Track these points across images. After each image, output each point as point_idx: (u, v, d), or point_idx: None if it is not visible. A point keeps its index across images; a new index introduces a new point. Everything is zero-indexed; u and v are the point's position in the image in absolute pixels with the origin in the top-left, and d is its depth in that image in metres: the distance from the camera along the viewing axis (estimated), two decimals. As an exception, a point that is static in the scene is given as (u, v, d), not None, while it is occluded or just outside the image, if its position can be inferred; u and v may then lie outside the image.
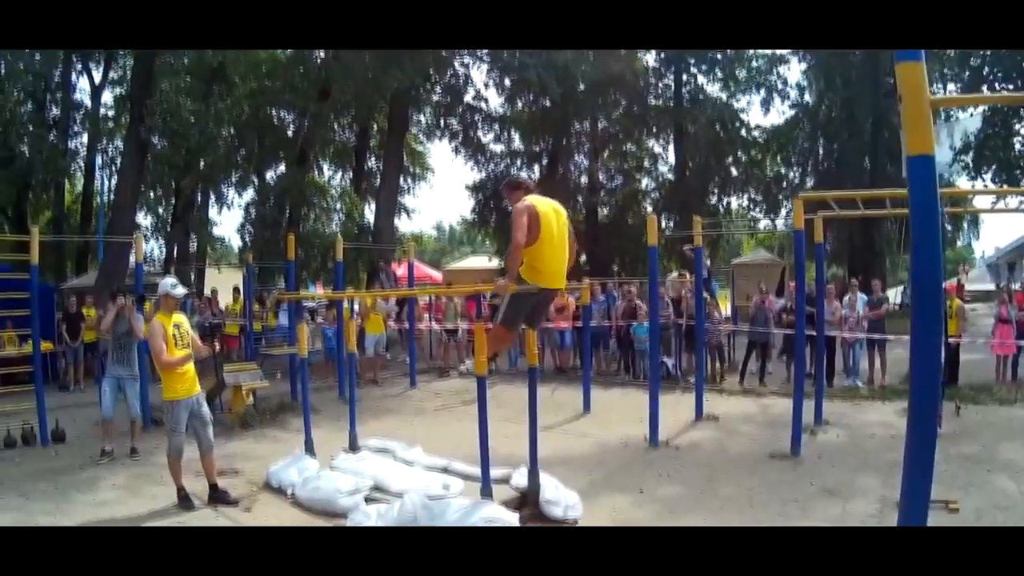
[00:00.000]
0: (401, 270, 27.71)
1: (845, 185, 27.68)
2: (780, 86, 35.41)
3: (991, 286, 37.90)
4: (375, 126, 35.21)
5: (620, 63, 32.23)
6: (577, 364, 18.45)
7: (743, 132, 35.52)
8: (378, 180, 33.85)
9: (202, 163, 27.57)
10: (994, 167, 29.24)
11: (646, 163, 39.28)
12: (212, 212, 35.90)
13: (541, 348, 17.30)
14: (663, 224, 33.43)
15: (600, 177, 38.04)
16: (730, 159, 36.17)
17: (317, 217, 31.32)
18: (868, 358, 16.40)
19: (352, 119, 33.38)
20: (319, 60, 28.60)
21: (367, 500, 8.24)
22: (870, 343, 16.17)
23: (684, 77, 35.74)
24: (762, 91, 35.28)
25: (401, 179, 35.17)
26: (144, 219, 32.78)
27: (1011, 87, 27.69)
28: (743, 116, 36.03)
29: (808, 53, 35.68)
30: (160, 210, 33.64)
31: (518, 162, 37.99)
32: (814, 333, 13.33)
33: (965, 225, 43.47)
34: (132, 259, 18.31)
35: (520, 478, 8.25)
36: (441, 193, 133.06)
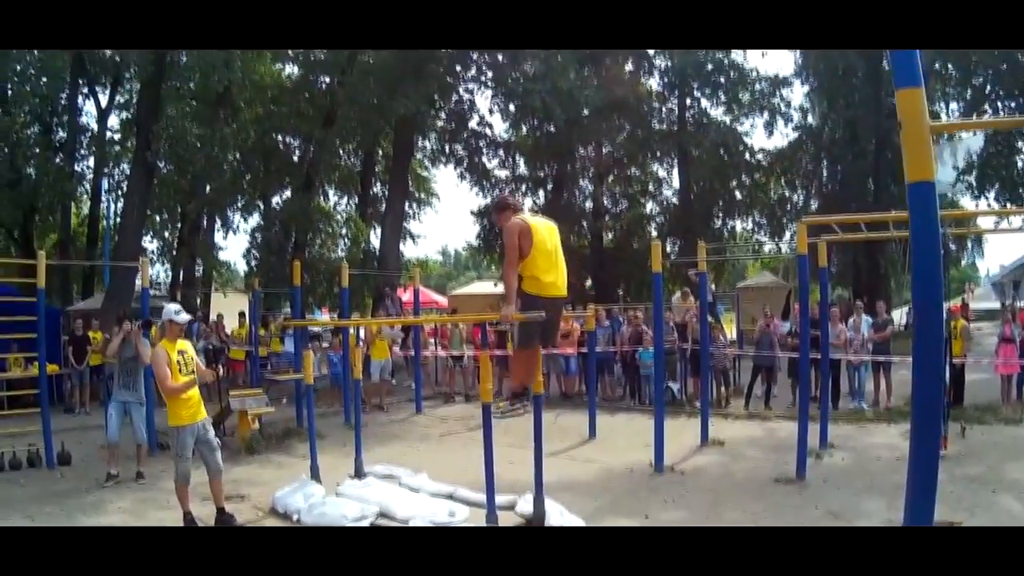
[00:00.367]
0: (407, 295, 27.76)
1: (849, 207, 27.74)
2: (783, 108, 35.34)
3: (996, 305, 37.83)
4: (380, 152, 35.22)
5: (624, 87, 32.32)
6: (582, 390, 18.44)
7: (747, 155, 35.40)
8: (383, 205, 33.82)
9: (208, 188, 27.62)
10: (997, 186, 29.23)
11: (650, 187, 39.25)
12: (218, 237, 35.94)
13: (546, 374, 17.35)
14: (668, 248, 33.40)
15: (605, 202, 38.05)
16: (734, 182, 36.08)
17: (323, 242, 31.38)
18: (873, 380, 16.41)
19: (357, 145, 33.41)
20: (324, 85, 28.71)
21: (373, 527, 8.24)
22: (875, 365, 16.17)
23: (687, 101, 35.76)
24: (765, 114, 35.20)
25: (406, 204, 35.19)
26: (150, 243, 32.81)
27: (1013, 104, 27.72)
28: (747, 139, 35.92)
29: (811, 75, 35.72)
30: (166, 234, 33.68)
31: (523, 187, 38.01)
32: (819, 356, 13.35)
33: (969, 244, 43.43)
34: (138, 283, 18.34)
35: (525, 504, 8.27)
36: (446, 218, 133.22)
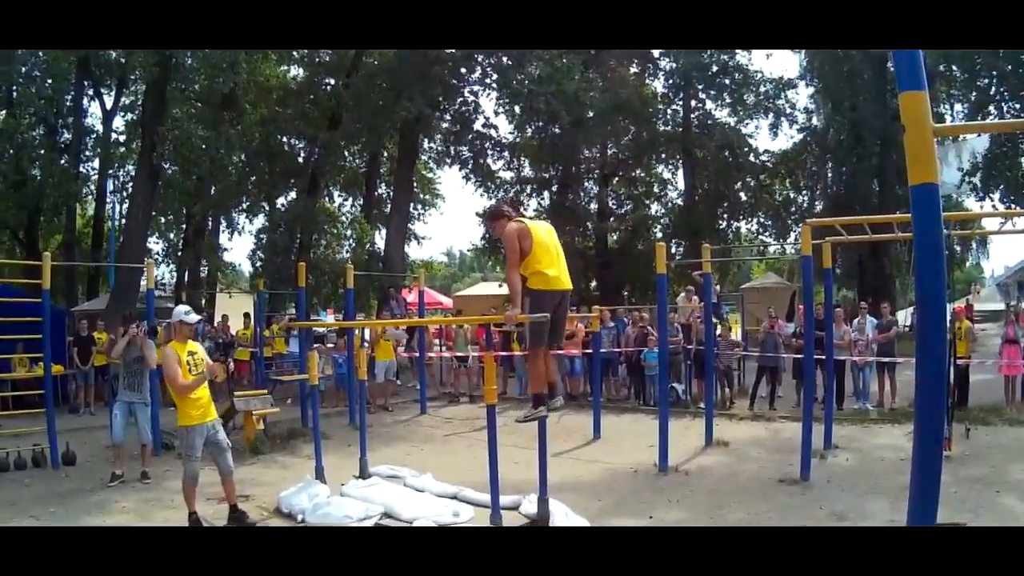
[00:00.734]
0: (411, 296, 27.76)
1: (854, 208, 27.75)
2: (788, 110, 35.25)
3: (1001, 306, 37.80)
4: (385, 153, 35.26)
5: (628, 89, 32.29)
6: (587, 390, 18.45)
7: (752, 157, 35.34)
8: (388, 207, 33.90)
9: (213, 189, 27.67)
10: (1002, 187, 29.16)
11: (655, 189, 39.24)
12: (223, 238, 36.05)
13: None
14: (673, 250, 33.41)
15: (609, 203, 38.04)
16: (739, 184, 36.04)
17: (328, 244, 31.40)
18: (878, 381, 16.39)
19: (362, 146, 33.43)
20: (329, 88, 28.74)
21: (377, 527, 8.25)
22: (880, 366, 16.16)
23: (692, 103, 35.71)
24: (770, 116, 35.15)
25: (411, 206, 35.24)
26: (155, 244, 32.92)
27: (1018, 106, 27.67)
28: (751, 141, 35.87)
29: (816, 77, 35.72)
30: (171, 235, 33.77)
31: (528, 189, 38.04)
32: (824, 357, 13.35)
33: (974, 245, 43.38)
34: (143, 284, 18.37)
35: (530, 505, 8.29)
36: (451, 220, 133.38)
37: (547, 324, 7.28)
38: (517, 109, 32.50)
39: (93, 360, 18.27)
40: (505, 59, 29.30)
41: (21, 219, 27.27)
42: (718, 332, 17.63)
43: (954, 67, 29.94)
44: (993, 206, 28.74)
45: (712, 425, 13.50)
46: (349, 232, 32.46)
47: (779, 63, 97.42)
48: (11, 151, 24.16)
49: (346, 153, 33.69)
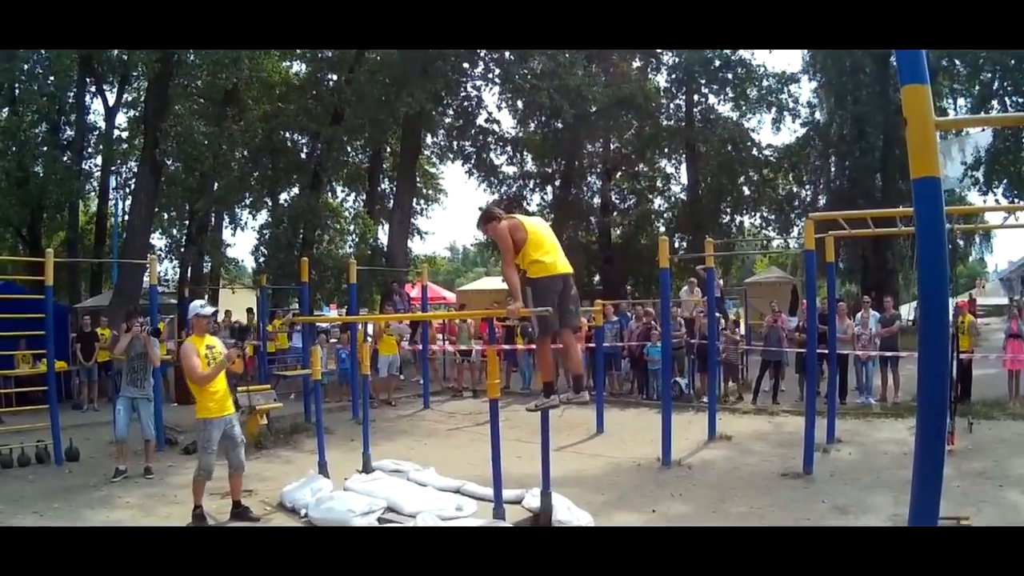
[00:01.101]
0: (415, 291, 27.76)
1: (857, 203, 27.74)
2: (791, 105, 35.23)
3: (1004, 300, 37.76)
4: (388, 148, 35.21)
5: (631, 84, 32.27)
6: (590, 385, 18.45)
7: (755, 151, 35.37)
8: (391, 202, 33.86)
9: (216, 185, 27.64)
10: (1005, 182, 29.15)
11: (658, 183, 39.28)
12: (226, 234, 35.97)
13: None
14: (676, 244, 33.44)
15: (612, 198, 38.09)
16: (742, 178, 36.10)
17: (331, 239, 31.33)
18: (881, 376, 16.39)
19: (365, 142, 33.37)
20: (332, 83, 28.71)
21: (380, 521, 8.25)
22: (883, 360, 16.17)
23: (695, 97, 35.72)
24: (773, 110, 35.16)
25: (414, 201, 35.19)
26: (158, 240, 32.90)
27: (1021, 100, 27.66)
28: (754, 135, 35.96)
29: (818, 71, 35.72)
30: (174, 231, 33.74)
31: (531, 184, 38.10)
32: (827, 351, 13.35)
33: (977, 240, 43.33)
34: (146, 280, 18.39)
35: (532, 499, 8.29)
36: (454, 214, 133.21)
37: (552, 307, 7.30)
38: (520, 104, 32.55)
39: (96, 356, 18.31)
40: (508, 54, 29.27)
41: (24, 216, 27.22)
42: (723, 327, 17.68)
43: (957, 62, 29.96)
44: (996, 200, 28.77)
45: (715, 419, 13.53)
46: (352, 227, 32.34)
47: (781, 58, 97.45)
48: (14, 148, 24.15)
49: (349, 148, 33.59)
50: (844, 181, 35.43)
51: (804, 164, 36.14)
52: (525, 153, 37.30)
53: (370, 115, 27.08)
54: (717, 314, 15.71)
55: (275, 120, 28.06)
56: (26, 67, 24.80)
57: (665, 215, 38.75)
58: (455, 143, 35.93)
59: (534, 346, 12.03)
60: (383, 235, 32.80)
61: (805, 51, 35.96)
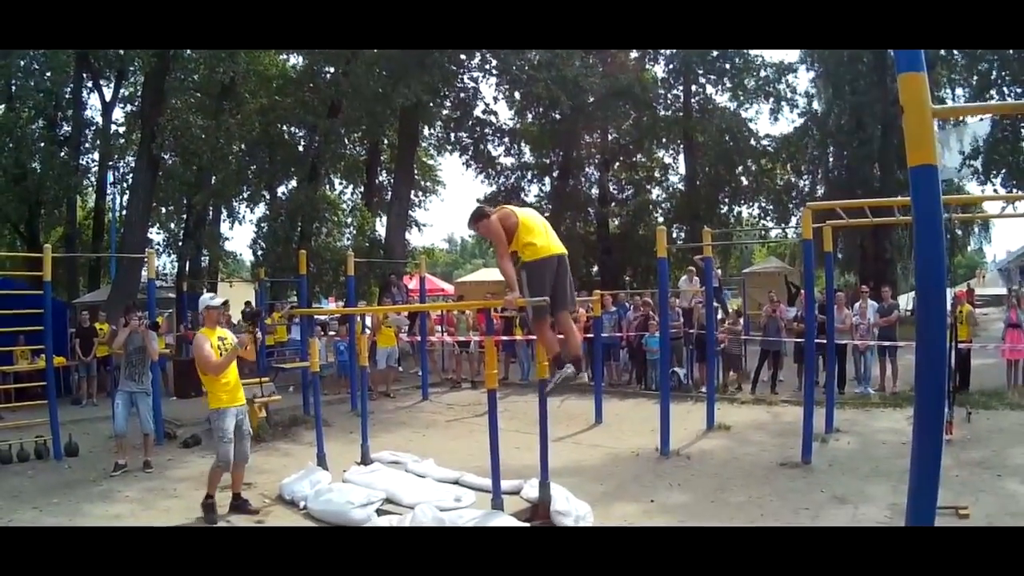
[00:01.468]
0: (413, 283, 27.76)
1: (855, 192, 27.76)
2: (789, 95, 35.23)
3: (1003, 290, 37.79)
4: (385, 141, 35.20)
5: (628, 74, 32.27)
6: (589, 375, 18.47)
7: (752, 141, 35.34)
8: (389, 194, 33.85)
9: (213, 179, 27.64)
10: (1004, 172, 29.13)
11: (656, 174, 39.29)
12: (224, 227, 35.99)
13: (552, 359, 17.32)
14: (674, 235, 33.45)
15: (611, 188, 38.12)
16: (740, 168, 36.09)
17: (329, 232, 31.35)
18: (879, 365, 16.40)
19: (363, 134, 33.38)
20: (328, 76, 28.69)
21: (379, 513, 8.26)
22: (881, 350, 16.16)
23: (693, 88, 35.67)
24: (771, 100, 35.14)
25: (412, 193, 35.17)
26: (156, 235, 32.91)
27: (1019, 90, 27.63)
28: (752, 125, 35.95)
29: (816, 61, 35.70)
30: (172, 226, 33.72)
31: (528, 175, 38.12)
32: (825, 341, 13.36)
33: (976, 230, 43.37)
34: (144, 274, 18.38)
35: (531, 489, 8.29)
36: (452, 206, 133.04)
37: (547, 291, 7.33)
38: (517, 95, 32.55)
39: (95, 351, 18.27)
40: (504, 45, 29.30)
41: (22, 212, 27.27)
42: (720, 317, 17.68)
43: (955, 52, 29.92)
44: (994, 190, 28.76)
45: (714, 409, 13.54)
46: (350, 220, 32.41)
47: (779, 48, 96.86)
48: (11, 144, 24.16)
49: (346, 141, 33.59)
50: (842, 171, 35.38)
51: (802, 154, 36.06)
52: (523, 144, 37.33)
53: (367, 107, 27.11)
54: (716, 305, 15.71)
55: (272, 113, 28.11)
56: (23, 63, 24.81)
57: (663, 205, 38.68)
58: (452, 135, 36.00)
59: (533, 336, 12.03)
60: (381, 227, 32.83)
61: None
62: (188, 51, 23.67)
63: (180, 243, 31.91)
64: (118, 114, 31.43)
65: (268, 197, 32.99)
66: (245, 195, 32.56)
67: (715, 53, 33.37)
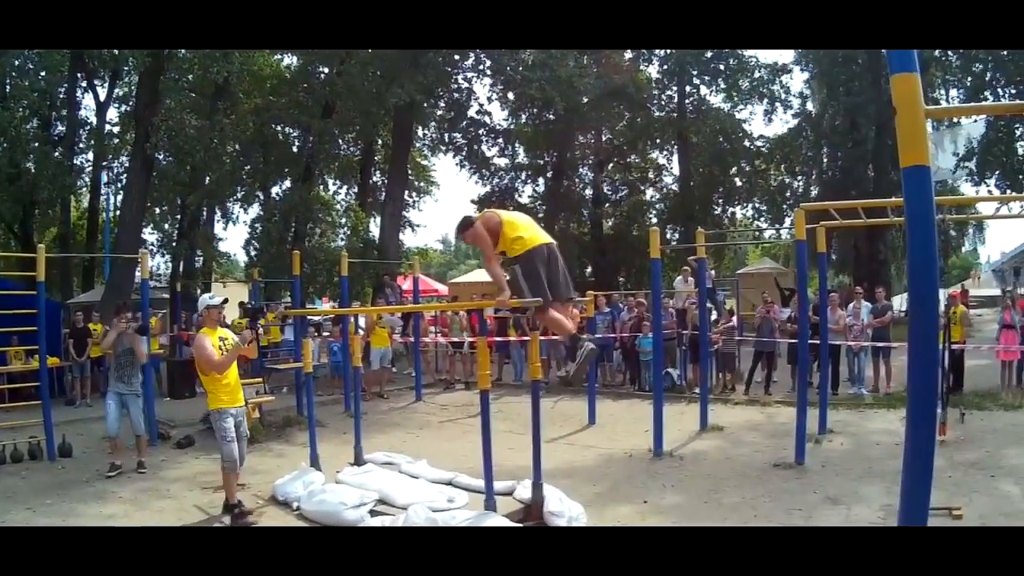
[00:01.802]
0: (407, 284, 27.76)
1: (849, 193, 27.76)
2: (783, 96, 35.30)
3: (997, 291, 37.85)
4: (380, 141, 35.19)
5: (623, 75, 32.31)
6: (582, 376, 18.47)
7: (746, 142, 35.40)
8: (383, 195, 33.82)
9: (207, 179, 27.61)
10: (997, 173, 29.19)
11: (650, 175, 39.36)
12: (218, 228, 36.00)
13: (547, 360, 17.38)
14: (668, 235, 33.47)
15: (604, 189, 38.18)
16: (734, 169, 36.13)
17: (323, 232, 31.32)
18: (873, 366, 16.42)
19: (357, 134, 33.39)
20: (323, 76, 28.69)
21: (372, 513, 8.26)
22: (875, 351, 16.18)
23: (687, 88, 35.71)
24: (765, 101, 35.19)
25: (406, 193, 35.18)
26: (150, 235, 32.87)
27: (1014, 91, 27.69)
28: (746, 126, 36.01)
29: (810, 62, 35.74)
30: (166, 226, 33.68)
31: (523, 175, 38.14)
32: (818, 342, 13.37)
33: (970, 231, 43.45)
34: (138, 275, 18.36)
35: (524, 490, 8.29)
36: (447, 207, 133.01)
37: (541, 283, 7.30)
38: (511, 95, 32.56)
39: (89, 352, 18.22)
40: (498, 45, 29.34)
41: (16, 212, 27.25)
42: (713, 318, 17.68)
43: (950, 53, 29.97)
44: (989, 191, 28.81)
45: (707, 410, 13.54)
46: (344, 220, 32.37)
47: (773, 49, 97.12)
48: (5, 144, 24.08)
49: (340, 141, 33.60)
50: (836, 172, 35.40)
51: (796, 155, 36.12)
52: (517, 145, 37.38)
53: (361, 107, 27.12)
54: (709, 305, 15.72)
55: (266, 113, 28.11)
56: (17, 63, 24.78)
57: (657, 206, 38.71)
58: (446, 135, 36.05)
59: (527, 337, 12.02)
60: (375, 228, 32.80)
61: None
62: (183, 51, 23.64)
63: (174, 243, 31.85)
64: (112, 114, 31.54)
65: (262, 197, 33.03)
66: (239, 195, 32.60)
67: (709, 54, 33.43)
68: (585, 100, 31.37)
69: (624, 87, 31.86)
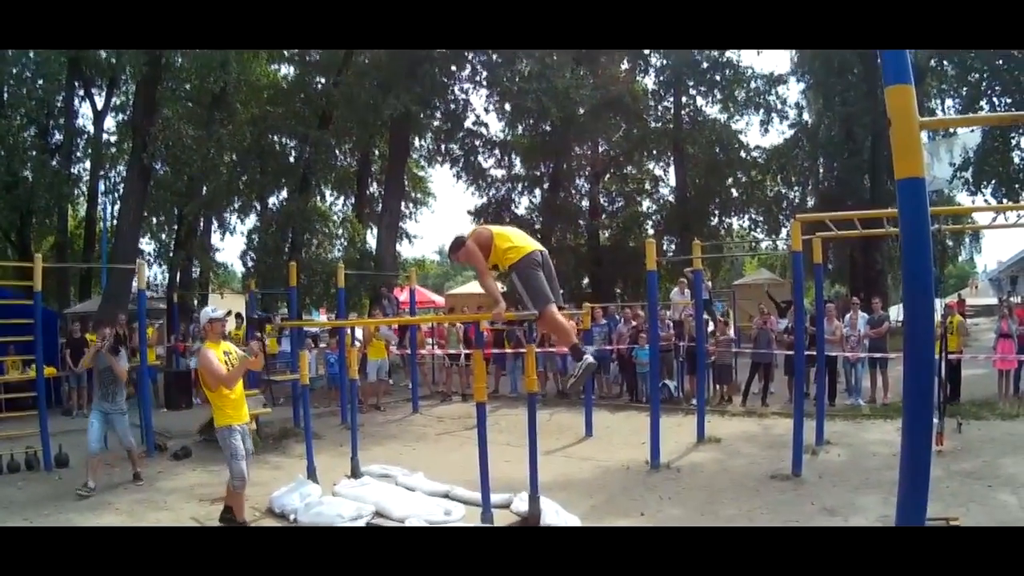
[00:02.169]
0: (403, 295, 27.73)
1: (846, 204, 27.76)
2: (779, 106, 35.26)
3: (994, 300, 37.89)
4: (377, 152, 35.23)
5: (619, 86, 32.34)
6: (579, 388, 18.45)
7: (743, 153, 35.40)
8: (380, 206, 33.82)
9: (204, 189, 27.62)
10: (994, 182, 29.20)
11: (647, 186, 39.30)
12: (215, 238, 35.97)
13: (543, 372, 17.36)
14: (665, 246, 33.46)
15: (601, 200, 38.13)
16: (730, 180, 36.14)
17: (319, 243, 31.30)
18: (870, 377, 16.42)
19: (354, 145, 33.42)
20: (320, 86, 28.72)
21: (368, 526, 8.25)
22: (871, 361, 16.19)
23: (683, 99, 35.72)
24: (761, 112, 35.21)
25: (403, 204, 35.17)
26: (147, 245, 32.89)
27: (1009, 101, 27.71)
28: (742, 137, 35.99)
29: (806, 72, 35.78)
30: (163, 236, 33.70)
31: (519, 187, 38.12)
32: (815, 353, 13.37)
33: (967, 240, 43.44)
34: (135, 285, 18.34)
35: (521, 503, 8.30)
36: (443, 218, 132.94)
37: (545, 290, 7.32)
38: (507, 106, 32.56)
39: (84, 362, 18.20)
40: (495, 56, 29.35)
41: (13, 221, 27.29)
42: (711, 329, 17.69)
43: (945, 62, 30.03)
44: (985, 201, 28.79)
45: (704, 422, 13.54)
46: (341, 231, 32.35)
47: (769, 59, 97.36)
48: (2, 153, 24.11)
49: (337, 152, 33.61)
50: (832, 182, 35.43)
51: (792, 165, 36.11)
52: (513, 156, 37.33)
53: (358, 118, 27.13)
54: (705, 316, 15.72)
55: (263, 123, 28.11)
56: (14, 71, 24.82)
57: (653, 217, 38.71)
58: (443, 146, 36.01)
59: (523, 349, 12.02)
60: (372, 239, 32.78)
61: (793, 52, 36.06)
62: (180, 60, 23.67)
63: (171, 253, 31.86)
64: (110, 123, 31.59)
65: (259, 208, 33.01)
66: (236, 205, 32.59)
67: (705, 64, 33.49)
68: (581, 111, 31.36)
69: (620, 98, 31.86)
